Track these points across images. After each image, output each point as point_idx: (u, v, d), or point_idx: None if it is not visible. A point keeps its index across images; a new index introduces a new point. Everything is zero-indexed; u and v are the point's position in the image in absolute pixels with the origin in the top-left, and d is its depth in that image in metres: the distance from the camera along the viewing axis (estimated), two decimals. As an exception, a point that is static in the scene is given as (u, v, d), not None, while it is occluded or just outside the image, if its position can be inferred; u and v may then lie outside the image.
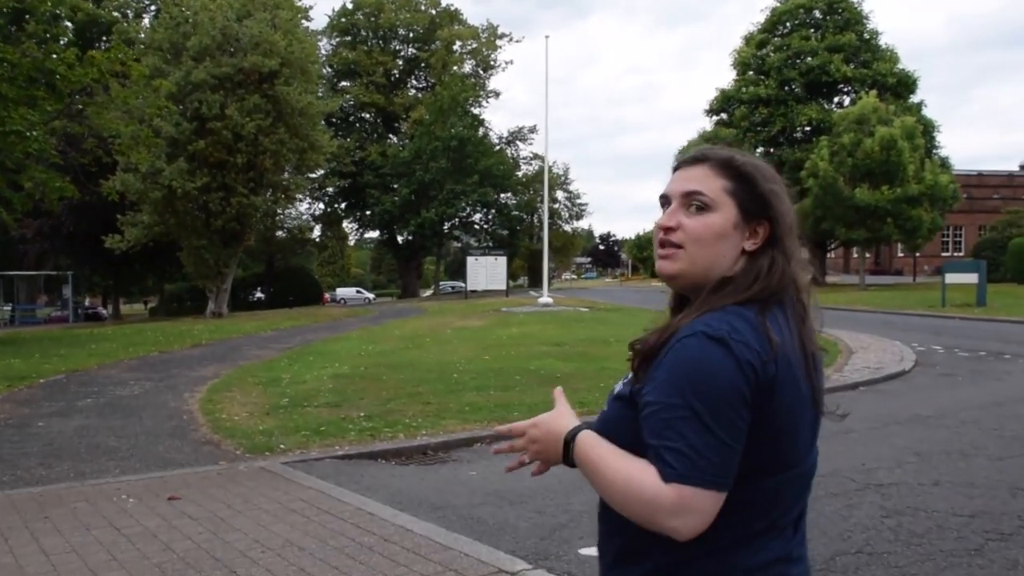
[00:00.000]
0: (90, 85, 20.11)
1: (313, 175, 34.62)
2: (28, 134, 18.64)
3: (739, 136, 49.11)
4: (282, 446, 8.23)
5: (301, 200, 40.24)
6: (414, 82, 61.97)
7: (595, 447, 1.52)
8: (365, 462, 7.86)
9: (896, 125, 41.91)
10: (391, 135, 59.56)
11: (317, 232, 58.72)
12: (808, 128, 52.51)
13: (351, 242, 72.39)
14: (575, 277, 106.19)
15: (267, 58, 29.18)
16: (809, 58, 52.48)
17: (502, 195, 54.94)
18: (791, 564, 1.55)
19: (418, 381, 12.04)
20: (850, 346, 16.23)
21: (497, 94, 70.69)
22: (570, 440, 1.56)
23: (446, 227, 54.35)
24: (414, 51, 60.00)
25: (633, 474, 1.43)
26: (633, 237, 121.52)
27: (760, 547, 1.50)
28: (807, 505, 1.61)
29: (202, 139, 28.89)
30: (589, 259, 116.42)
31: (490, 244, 51.85)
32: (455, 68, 58.52)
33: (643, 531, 1.47)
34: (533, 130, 60.53)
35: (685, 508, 1.39)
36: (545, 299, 28.56)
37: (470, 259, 41.80)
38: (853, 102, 52.94)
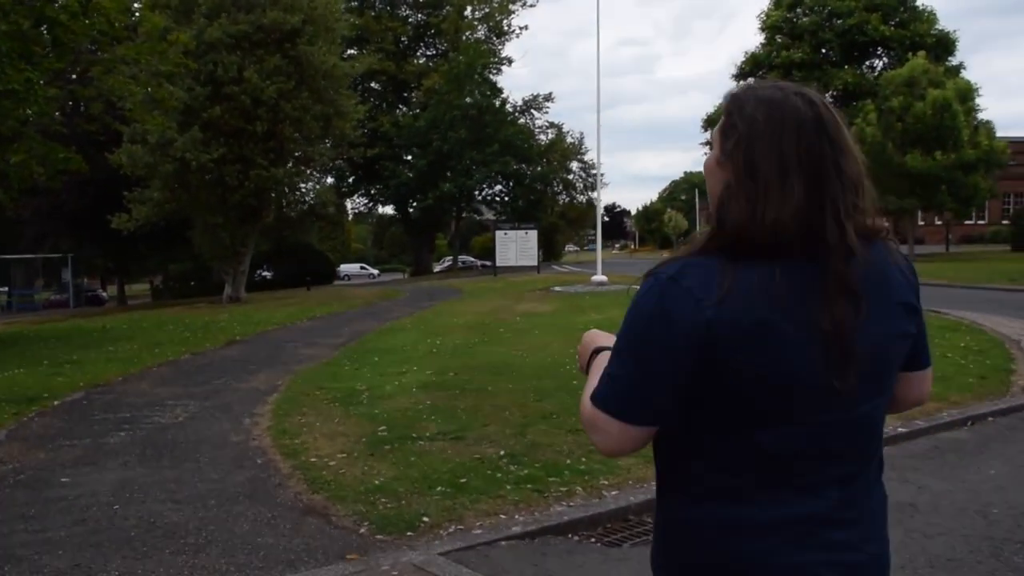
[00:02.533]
0: (97, 39, 17.19)
1: (336, 145, 31.36)
2: (25, 95, 15.58)
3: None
4: (425, 518, 5.61)
5: (313, 173, 37.13)
6: (424, 49, 59.13)
7: (602, 361, 1.56)
8: (556, 543, 5.31)
9: (949, 87, 39.25)
10: (402, 105, 56.75)
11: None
12: (842, 93, 50.86)
13: (350, 216, 69.78)
14: (578, 249, 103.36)
15: (288, 14, 26.16)
16: (844, 19, 50.72)
17: (521, 166, 52.08)
18: (832, 527, 1.45)
19: (537, 393, 9.42)
20: (1005, 334, 13.58)
21: (510, 61, 67.82)
22: (597, 352, 1.65)
23: (464, 199, 51.67)
24: (423, 16, 57.03)
25: (590, 386, 1.52)
26: (640, 209, 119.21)
27: (770, 503, 1.43)
28: (865, 470, 1.51)
29: (217, 105, 25.87)
30: (593, 231, 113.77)
31: (510, 217, 49.13)
32: (468, 34, 55.60)
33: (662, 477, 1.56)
34: (549, 98, 57.69)
35: (593, 426, 1.48)
36: (599, 277, 25.83)
37: (499, 233, 38.93)
38: (888, 65, 50.74)
